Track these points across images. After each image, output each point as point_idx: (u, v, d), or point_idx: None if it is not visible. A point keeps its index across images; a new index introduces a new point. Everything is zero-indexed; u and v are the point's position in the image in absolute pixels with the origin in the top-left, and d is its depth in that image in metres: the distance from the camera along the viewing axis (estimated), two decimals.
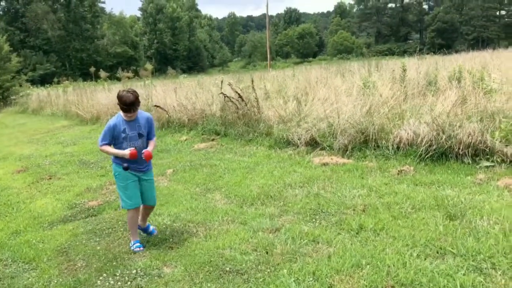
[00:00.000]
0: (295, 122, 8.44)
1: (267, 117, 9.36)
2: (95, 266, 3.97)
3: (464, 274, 2.94)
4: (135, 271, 3.71)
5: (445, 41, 73.91)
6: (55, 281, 3.82)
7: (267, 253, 3.71)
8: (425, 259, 3.28)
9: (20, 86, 31.75)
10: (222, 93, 10.14)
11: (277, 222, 4.38)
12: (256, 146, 8.42)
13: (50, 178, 7.85)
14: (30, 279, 3.92)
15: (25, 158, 10.16)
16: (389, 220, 4.11)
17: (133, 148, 4.04)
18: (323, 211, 4.56)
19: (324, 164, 6.41)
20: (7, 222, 5.70)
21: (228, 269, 3.53)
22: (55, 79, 39.21)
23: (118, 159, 4.19)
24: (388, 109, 7.51)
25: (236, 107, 9.87)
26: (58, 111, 20.61)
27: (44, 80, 48.33)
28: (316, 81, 12.84)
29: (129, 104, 3.95)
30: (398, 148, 6.26)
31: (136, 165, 4.19)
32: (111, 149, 4.14)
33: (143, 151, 4.08)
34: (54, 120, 18.69)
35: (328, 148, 7.05)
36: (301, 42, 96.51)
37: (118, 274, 3.71)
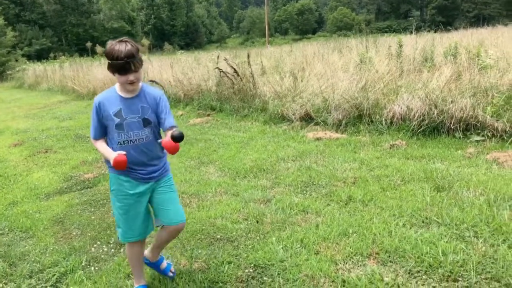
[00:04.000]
0: (291, 97, 8.46)
1: (262, 92, 9.37)
2: (89, 234, 4.06)
3: (446, 242, 3.03)
4: None
5: (446, 18, 73.17)
6: (51, 248, 3.91)
7: (257, 222, 3.80)
8: (410, 228, 3.37)
9: (16, 61, 31.51)
10: (217, 68, 10.11)
11: (268, 194, 4.47)
12: (251, 122, 8.46)
13: (46, 152, 7.90)
14: (27, 247, 4.01)
15: (21, 132, 10.19)
16: (378, 191, 4.19)
17: (123, 153, 2.54)
18: (314, 183, 4.64)
19: (318, 139, 6.47)
20: (4, 194, 5.77)
21: (219, 236, 3.62)
22: (51, 54, 38.91)
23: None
24: (384, 84, 7.53)
25: (231, 82, 9.87)
26: (54, 86, 20.53)
27: (40, 56, 47.91)
28: (313, 57, 12.79)
29: (124, 58, 2.45)
30: (391, 123, 6.31)
31: (141, 168, 2.69)
32: (100, 146, 2.68)
33: (161, 141, 2.57)
34: (51, 95, 18.63)
35: (322, 123, 7.10)
36: (300, 18, 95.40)
37: (111, 242, 3.81)
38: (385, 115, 6.35)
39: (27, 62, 34.67)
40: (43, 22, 63.42)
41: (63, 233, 4.25)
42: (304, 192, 4.43)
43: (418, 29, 14.52)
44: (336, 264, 2.95)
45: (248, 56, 10.61)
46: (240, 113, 9.10)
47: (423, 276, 2.70)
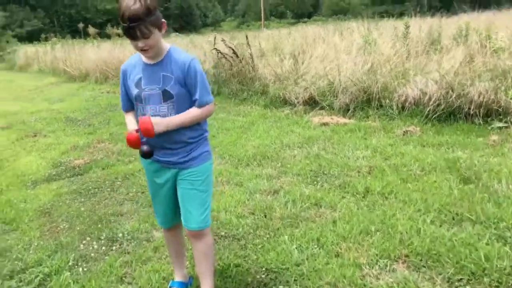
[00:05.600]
0: (292, 80, 8.03)
1: (262, 75, 8.93)
2: (78, 228, 3.65)
3: (487, 244, 2.65)
4: (121, 234, 3.40)
5: (443, 3, 72.36)
6: (36, 244, 3.51)
7: (265, 216, 3.41)
8: (440, 226, 2.99)
9: (7, 42, 30.71)
10: (215, 48, 9.63)
11: (275, 184, 4.07)
12: (251, 105, 8.04)
13: (35, 136, 7.51)
14: (9, 241, 3.60)
15: (10, 115, 9.77)
16: (398, 183, 3.80)
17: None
18: (325, 173, 4.25)
19: (324, 124, 6.06)
20: None
21: (223, 233, 3.22)
22: (43, 36, 37.94)
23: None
24: (391, 67, 7.12)
25: (230, 64, 9.42)
26: (45, 68, 19.95)
27: (31, 37, 46.75)
28: (314, 39, 12.32)
29: (130, 18, 1.93)
30: (403, 107, 5.91)
31: (162, 152, 2.24)
32: (127, 119, 2.33)
33: (141, 117, 2.13)
34: (42, 77, 18.07)
35: (327, 107, 6.69)
36: (295, 1, 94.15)
37: (103, 238, 3.40)
38: (396, 99, 5.94)
39: (18, 44, 33.81)
40: (34, 3, 61.93)
41: (50, 226, 3.84)
42: (315, 182, 4.04)
43: (417, 13, 14.07)
44: (361, 269, 2.56)
45: (247, 37, 10.13)
46: (239, 97, 8.67)
47: (466, 287, 2.32)
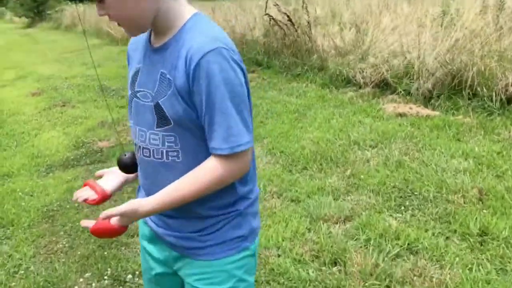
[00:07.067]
0: (357, 55, 6.77)
1: (320, 47, 7.69)
2: (79, 252, 2.75)
3: None
4: (131, 275, 2.45)
5: None
6: (24, 266, 2.68)
7: (335, 264, 2.34)
8: None
9: (59, 2, 30.52)
10: (267, 14, 8.43)
11: (345, 206, 2.97)
12: (306, 83, 6.86)
13: (64, 105, 6.87)
14: None
15: (44, 79, 9.24)
16: None
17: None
18: (415, 192, 3.09)
19: (401, 115, 4.84)
20: (2, 159, 4.72)
21: None
22: None
23: None
24: (482, 45, 5.72)
25: (283, 33, 8.22)
26: (90, 28, 19.39)
27: None
28: (378, 7, 10.84)
29: None
30: (508, 100, 4.58)
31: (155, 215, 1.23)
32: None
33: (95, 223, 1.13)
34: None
35: (403, 92, 5.42)
36: None
37: (106, 276, 2.47)
38: (500, 88, 4.60)
39: (69, 3, 33.64)
40: None
41: (48, 240, 3.00)
42: (402, 208, 2.90)
43: None
44: None
45: (303, 1, 8.83)
46: (291, 72, 7.51)
47: None
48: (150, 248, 1.30)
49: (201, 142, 1.09)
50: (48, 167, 4.44)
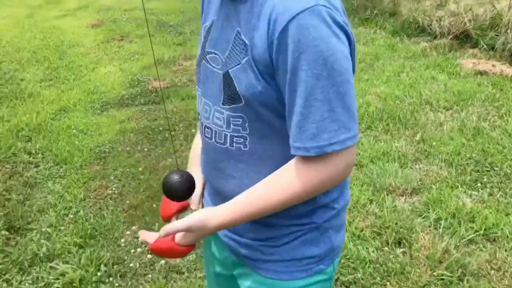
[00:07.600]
0: (436, 0, 6.09)
1: None
2: (128, 202, 2.68)
3: None
4: None
5: None
6: (74, 210, 2.65)
7: (399, 245, 2.11)
8: None
9: None
10: None
11: (413, 175, 2.68)
12: (375, 29, 6.32)
13: (122, 40, 6.77)
14: (48, 198, 2.78)
15: (104, 10, 9.14)
16: None
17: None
18: (494, 167, 2.73)
19: (481, 73, 4.32)
20: (60, 92, 4.74)
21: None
22: None
23: None
24: None
25: None
26: None
27: None
28: None
29: None
30: None
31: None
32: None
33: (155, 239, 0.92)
34: None
35: (485, 47, 4.82)
36: None
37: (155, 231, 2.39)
38: None
39: None
40: None
41: (98, 184, 2.97)
42: (479, 185, 2.57)
43: None
44: None
45: None
46: (359, 15, 6.94)
47: None
48: (212, 242, 1.09)
49: (278, 131, 0.84)
50: (103, 104, 4.40)
